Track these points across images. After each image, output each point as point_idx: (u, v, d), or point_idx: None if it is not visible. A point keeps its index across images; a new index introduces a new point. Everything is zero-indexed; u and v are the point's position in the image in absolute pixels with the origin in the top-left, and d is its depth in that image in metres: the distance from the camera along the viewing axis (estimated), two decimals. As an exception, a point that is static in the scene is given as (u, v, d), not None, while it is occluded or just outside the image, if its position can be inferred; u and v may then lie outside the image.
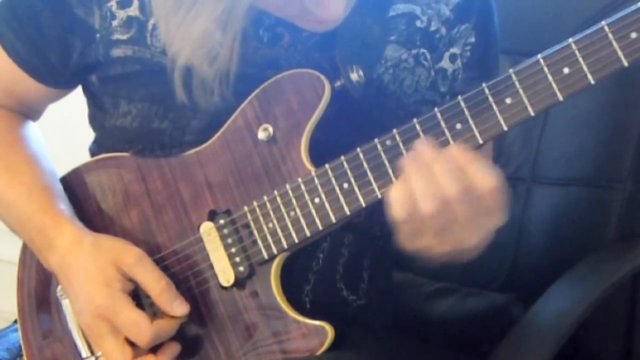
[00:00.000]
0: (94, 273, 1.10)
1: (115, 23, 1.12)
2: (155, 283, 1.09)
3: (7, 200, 1.18)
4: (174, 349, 1.11)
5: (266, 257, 1.09)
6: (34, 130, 1.26)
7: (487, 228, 0.99)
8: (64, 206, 1.16)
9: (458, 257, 1.04)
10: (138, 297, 1.11)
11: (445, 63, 1.15)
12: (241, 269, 1.10)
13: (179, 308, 1.10)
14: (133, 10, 1.12)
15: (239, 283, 1.11)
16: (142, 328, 1.07)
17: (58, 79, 1.20)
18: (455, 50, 1.15)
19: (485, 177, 0.96)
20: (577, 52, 0.95)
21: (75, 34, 1.14)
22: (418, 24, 1.14)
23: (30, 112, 1.28)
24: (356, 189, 1.03)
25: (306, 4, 1.00)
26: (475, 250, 1.03)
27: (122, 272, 1.10)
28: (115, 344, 1.08)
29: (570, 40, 0.95)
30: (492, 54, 1.18)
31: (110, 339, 1.09)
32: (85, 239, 1.13)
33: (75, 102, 1.27)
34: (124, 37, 1.12)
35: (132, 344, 1.09)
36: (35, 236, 1.16)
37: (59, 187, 1.19)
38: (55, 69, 1.18)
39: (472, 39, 1.15)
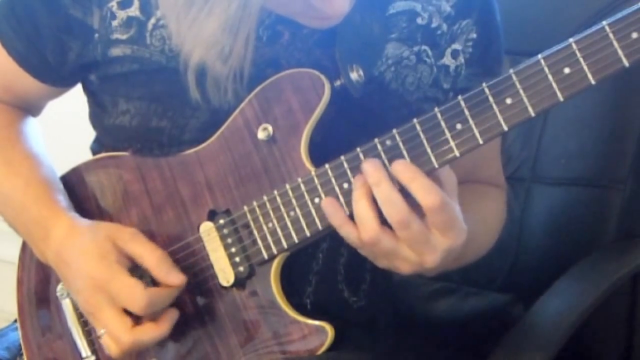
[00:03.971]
0: (90, 248, 1.10)
1: (115, 23, 1.12)
2: (151, 254, 1.09)
3: (4, 193, 1.19)
4: (173, 315, 1.10)
5: (266, 257, 1.08)
6: (32, 125, 1.27)
7: (447, 247, 0.99)
8: (61, 198, 1.17)
9: (445, 268, 1.04)
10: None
11: (447, 59, 1.15)
12: (241, 269, 1.10)
13: (175, 277, 1.09)
14: (133, 11, 1.12)
15: (239, 283, 1.11)
16: (136, 293, 1.07)
17: (55, 77, 1.20)
18: (456, 46, 1.15)
19: (428, 195, 0.97)
20: (577, 52, 0.94)
21: (71, 34, 1.14)
22: (419, 21, 1.13)
23: (29, 108, 1.28)
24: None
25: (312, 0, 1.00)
26: (448, 263, 1.03)
27: (118, 246, 1.10)
28: (114, 313, 1.08)
29: (571, 40, 0.95)
30: (495, 49, 1.18)
31: (108, 309, 1.08)
32: (80, 224, 1.14)
33: (77, 100, 1.27)
34: (124, 36, 1.12)
35: (130, 314, 1.09)
36: (32, 227, 1.16)
37: (57, 181, 1.20)
38: (52, 68, 1.18)
39: (474, 35, 1.15)
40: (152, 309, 1.08)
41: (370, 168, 0.99)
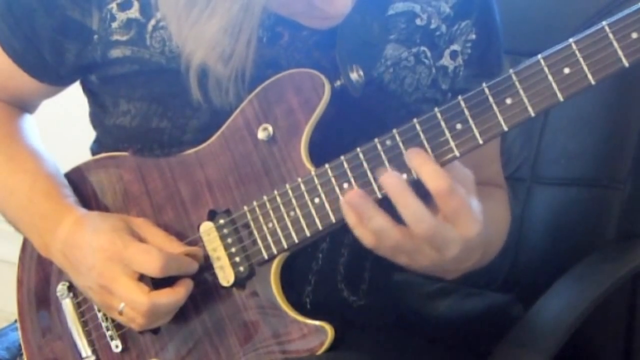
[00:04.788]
0: (103, 226, 1.10)
1: (114, 25, 1.12)
2: (163, 236, 1.11)
3: (11, 187, 1.19)
4: (188, 283, 1.10)
5: (266, 257, 1.08)
6: (30, 122, 1.28)
7: (463, 239, 0.99)
8: (68, 192, 1.17)
9: (464, 267, 1.04)
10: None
11: (446, 60, 1.15)
12: (241, 269, 1.10)
13: (190, 247, 1.11)
14: (133, 12, 1.12)
15: (239, 283, 1.11)
16: (152, 255, 1.07)
17: (53, 77, 1.20)
18: (455, 47, 1.15)
19: (436, 180, 0.96)
20: (577, 53, 0.94)
21: (68, 36, 1.14)
22: (418, 22, 1.13)
23: (25, 106, 1.28)
24: (356, 189, 1.03)
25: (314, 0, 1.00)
26: (474, 259, 1.03)
27: (130, 227, 1.11)
28: (130, 281, 1.07)
29: (571, 40, 0.95)
30: (494, 50, 1.18)
31: (124, 278, 1.08)
32: (91, 213, 1.15)
33: (77, 100, 1.27)
34: (123, 38, 1.12)
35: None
36: (39, 221, 1.16)
37: (62, 175, 1.20)
38: (50, 67, 1.18)
39: (473, 36, 1.15)
40: (167, 271, 1.08)
41: (389, 179, 0.99)
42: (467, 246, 1.00)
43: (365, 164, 1.03)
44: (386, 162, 1.01)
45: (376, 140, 1.02)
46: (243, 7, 0.94)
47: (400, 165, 1.01)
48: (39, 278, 1.23)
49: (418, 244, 0.98)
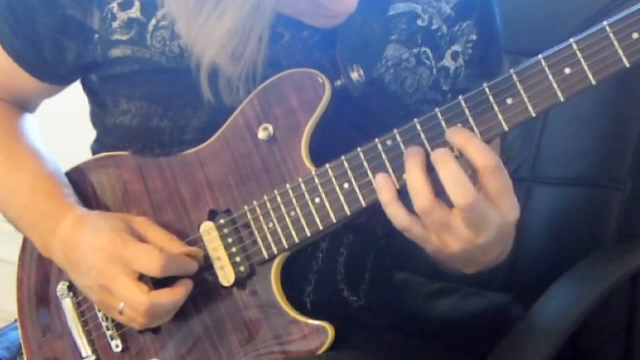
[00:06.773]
0: (103, 226, 1.10)
1: (115, 24, 1.12)
2: (164, 235, 1.11)
3: (10, 187, 1.19)
4: (188, 284, 1.10)
5: (267, 257, 1.08)
6: (31, 122, 1.28)
7: (501, 222, 0.98)
8: (69, 192, 1.17)
9: (489, 260, 1.04)
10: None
11: (447, 61, 1.15)
12: (242, 268, 1.10)
13: (190, 247, 1.11)
14: (134, 12, 1.12)
15: (240, 283, 1.11)
16: (152, 255, 1.07)
17: (54, 76, 1.21)
18: (457, 48, 1.15)
19: (484, 156, 0.96)
20: (578, 53, 0.95)
21: (68, 35, 1.14)
22: (419, 22, 1.13)
23: (26, 105, 1.29)
24: (357, 189, 1.03)
25: None
26: (499, 251, 1.03)
27: (131, 227, 1.11)
28: (130, 281, 1.07)
29: (572, 40, 0.95)
30: (495, 51, 1.18)
31: (123, 278, 1.07)
32: (91, 212, 1.15)
33: (77, 100, 1.27)
34: (124, 37, 1.12)
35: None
36: (39, 221, 1.16)
37: (63, 175, 1.20)
38: (51, 66, 1.18)
39: (474, 37, 1.15)
40: (167, 272, 1.08)
41: (441, 148, 0.98)
42: (502, 231, 0.99)
43: (366, 164, 1.03)
44: (387, 162, 1.02)
45: (377, 140, 1.02)
46: (254, 6, 0.94)
47: (401, 165, 1.01)
48: (39, 278, 1.23)
49: (451, 216, 0.97)
